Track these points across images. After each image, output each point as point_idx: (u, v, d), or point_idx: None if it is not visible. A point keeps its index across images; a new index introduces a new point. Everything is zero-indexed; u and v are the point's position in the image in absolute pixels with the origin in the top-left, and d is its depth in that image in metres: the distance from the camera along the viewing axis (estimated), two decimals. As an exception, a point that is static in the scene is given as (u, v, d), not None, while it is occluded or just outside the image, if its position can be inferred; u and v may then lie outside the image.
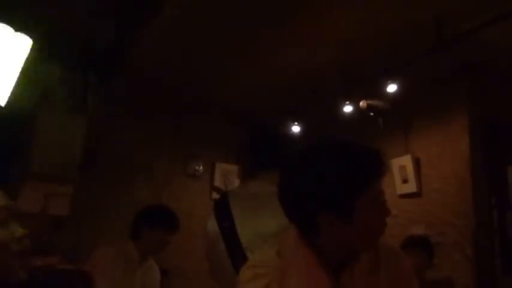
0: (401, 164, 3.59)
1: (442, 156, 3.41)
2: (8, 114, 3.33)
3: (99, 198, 3.75)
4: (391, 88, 3.19)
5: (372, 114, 3.42)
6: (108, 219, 3.58)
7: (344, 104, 3.66)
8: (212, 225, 1.61)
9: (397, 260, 1.14)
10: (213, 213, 1.65)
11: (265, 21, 2.93)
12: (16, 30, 2.03)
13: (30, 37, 2.08)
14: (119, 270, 2.20)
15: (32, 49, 2.14)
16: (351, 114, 3.65)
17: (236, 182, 4.60)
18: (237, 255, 1.53)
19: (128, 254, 2.27)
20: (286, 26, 2.98)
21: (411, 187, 3.56)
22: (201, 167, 4.41)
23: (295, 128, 4.14)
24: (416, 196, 3.55)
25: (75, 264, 2.69)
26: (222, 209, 1.61)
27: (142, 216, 2.35)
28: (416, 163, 3.56)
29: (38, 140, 3.45)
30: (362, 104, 3.38)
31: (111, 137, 3.93)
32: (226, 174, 4.46)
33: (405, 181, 3.59)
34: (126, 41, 3.39)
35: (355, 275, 1.07)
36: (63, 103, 3.56)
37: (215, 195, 3.96)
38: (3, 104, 1.98)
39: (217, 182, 4.44)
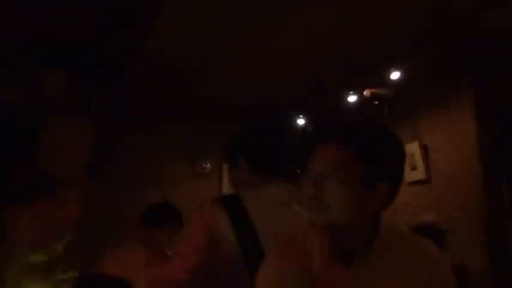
0: (409, 151, 3.56)
1: (449, 141, 3.37)
2: (15, 121, 3.36)
3: (108, 202, 3.76)
4: (395, 75, 3.17)
5: (376, 102, 3.39)
6: (119, 221, 3.59)
7: (348, 94, 3.63)
8: (225, 232, 1.45)
9: (433, 260, 1.09)
10: (222, 220, 1.46)
11: (265, 16, 2.92)
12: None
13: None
14: (125, 275, 2.19)
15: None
16: (355, 104, 3.63)
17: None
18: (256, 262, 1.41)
19: (134, 256, 2.27)
20: (287, 19, 2.96)
21: (420, 174, 3.52)
22: (209, 166, 4.41)
23: (300, 121, 4.13)
24: (425, 183, 3.52)
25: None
26: (238, 214, 1.46)
27: (143, 218, 2.35)
28: (424, 150, 3.52)
29: (46, 146, 3.46)
30: (366, 92, 3.36)
31: (119, 140, 3.94)
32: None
33: (414, 168, 3.55)
34: (129, 45, 3.40)
35: (374, 261, 1.06)
36: (69, 109, 3.57)
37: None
38: None
39: (226, 180, 4.44)
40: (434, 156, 3.49)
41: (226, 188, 4.32)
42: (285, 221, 1.42)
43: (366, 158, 1.04)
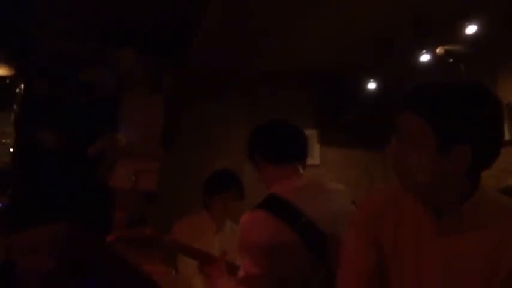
0: (490, 111, 3.30)
1: (537, 98, 3.09)
2: (92, 99, 3.60)
3: (181, 174, 3.93)
4: (471, 30, 2.93)
5: (451, 60, 3.17)
6: (191, 192, 3.75)
7: (421, 53, 3.43)
8: (277, 234, 1.42)
9: None
10: (270, 221, 1.44)
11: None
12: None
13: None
14: (193, 241, 2.29)
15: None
16: (429, 64, 3.42)
17: (316, 148, 4.56)
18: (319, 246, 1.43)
19: (201, 223, 2.37)
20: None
21: (505, 135, 3.26)
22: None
23: (371, 85, 3.99)
24: (509, 145, 3.25)
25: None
26: (286, 210, 1.46)
27: (204, 185, 2.44)
28: (508, 108, 3.25)
29: (122, 120, 3.68)
30: (439, 50, 3.15)
31: (188, 114, 4.09)
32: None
33: (496, 129, 3.30)
34: (193, 20, 3.47)
35: (464, 220, 1.09)
36: (140, 85, 3.75)
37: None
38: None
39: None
40: (519, 115, 3.21)
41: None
42: (327, 200, 1.54)
43: (436, 122, 1.04)
